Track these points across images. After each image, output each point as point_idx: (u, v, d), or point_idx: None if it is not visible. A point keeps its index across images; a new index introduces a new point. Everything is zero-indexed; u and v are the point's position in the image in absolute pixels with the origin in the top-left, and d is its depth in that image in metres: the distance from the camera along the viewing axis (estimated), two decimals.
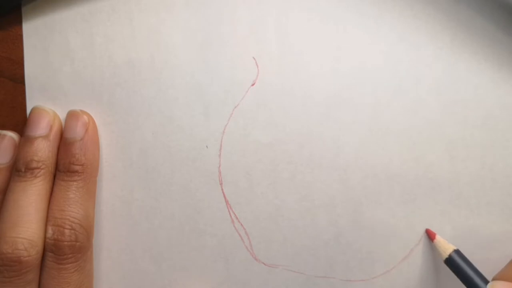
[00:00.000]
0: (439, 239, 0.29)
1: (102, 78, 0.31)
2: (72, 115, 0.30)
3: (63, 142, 0.29)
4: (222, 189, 0.31)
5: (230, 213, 0.31)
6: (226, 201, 0.31)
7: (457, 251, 0.29)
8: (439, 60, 0.30)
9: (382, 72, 0.30)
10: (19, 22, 0.31)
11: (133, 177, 0.31)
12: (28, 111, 0.31)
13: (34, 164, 0.28)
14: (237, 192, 0.31)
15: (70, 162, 0.29)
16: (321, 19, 0.30)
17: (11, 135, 0.30)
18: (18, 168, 0.28)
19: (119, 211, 0.31)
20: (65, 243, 0.27)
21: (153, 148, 0.31)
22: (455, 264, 0.28)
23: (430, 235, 0.30)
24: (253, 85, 0.30)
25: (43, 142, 0.29)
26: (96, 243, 0.31)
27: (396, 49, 0.30)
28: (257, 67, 0.30)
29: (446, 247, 0.29)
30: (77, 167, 0.29)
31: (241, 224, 0.31)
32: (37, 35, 0.31)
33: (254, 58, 0.30)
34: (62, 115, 0.30)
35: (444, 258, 0.29)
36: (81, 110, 0.30)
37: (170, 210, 0.31)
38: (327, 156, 0.30)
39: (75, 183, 0.29)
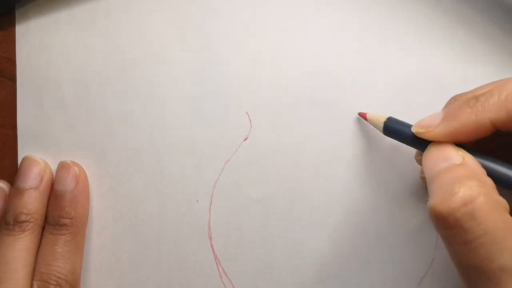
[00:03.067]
0: (370, 115, 0.29)
1: (94, 129, 0.31)
2: (63, 167, 0.30)
3: (53, 194, 0.29)
4: (211, 244, 0.31)
5: (218, 268, 0.31)
6: (215, 256, 0.31)
7: (390, 118, 0.27)
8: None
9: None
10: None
11: (123, 229, 0.31)
12: (19, 159, 0.31)
13: (23, 217, 0.28)
14: (227, 247, 0.31)
15: (59, 215, 0.29)
16: (315, 70, 0.30)
17: (1, 185, 0.30)
18: (7, 221, 0.28)
19: (108, 263, 0.31)
20: None
21: (143, 201, 0.31)
22: (392, 128, 0.27)
23: (362, 116, 0.29)
24: (245, 140, 0.30)
25: (33, 194, 0.29)
26: None
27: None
28: (250, 122, 0.30)
29: (380, 119, 0.27)
30: (66, 221, 0.29)
31: (229, 280, 0.31)
32: (30, 83, 0.31)
33: (247, 113, 0.30)
34: (54, 164, 0.30)
35: (382, 130, 0.27)
36: (72, 162, 0.30)
37: (158, 263, 0.31)
38: (318, 214, 0.30)
39: (63, 237, 0.28)
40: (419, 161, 0.28)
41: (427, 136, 0.24)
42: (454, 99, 0.25)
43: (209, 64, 0.30)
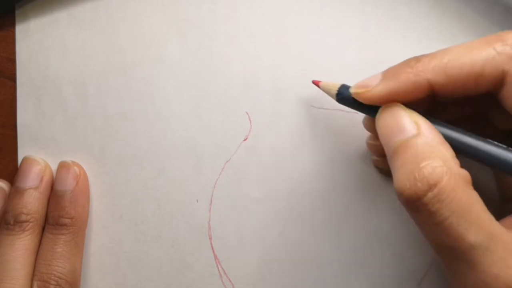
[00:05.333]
0: (324, 83, 0.27)
1: (94, 129, 0.31)
2: (63, 167, 0.30)
3: (53, 194, 0.29)
4: (211, 244, 0.31)
5: (218, 268, 0.31)
6: (215, 256, 0.31)
7: (343, 85, 0.26)
8: None
9: None
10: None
11: (123, 229, 0.31)
12: (19, 159, 0.31)
13: (23, 217, 0.28)
14: (226, 247, 0.31)
15: (59, 215, 0.29)
16: (315, 70, 0.30)
17: (1, 185, 0.30)
18: (7, 220, 0.28)
19: (108, 263, 0.31)
20: None
21: (143, 201, 0.31)
22: (345, 95, 0.26)
23: (315, 84, 0.28)
24: (245, 140, 0.30)
25: (33, 194, 0.29)
26: None
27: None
28: (250, 122, 0.30)
29: (333, 87, 0.26)
30: (66, 221, 0.29)
31: (229, 280, 0.31)
32: (30, 83, 0.31)
33: (247, 113, 0.30)
34: (54, 164, 0.30)
35: (335, 98, 0.27)
36: (72, 161, 0.30)
37: (158, 264, 0.31)
38: (318, 214, 0.30)
39: (63, 236, 0.28)
40: (369, 127, 0.27)
41: (365, 96, 0.23)
42: None
43: (209, 64, 0.30)
